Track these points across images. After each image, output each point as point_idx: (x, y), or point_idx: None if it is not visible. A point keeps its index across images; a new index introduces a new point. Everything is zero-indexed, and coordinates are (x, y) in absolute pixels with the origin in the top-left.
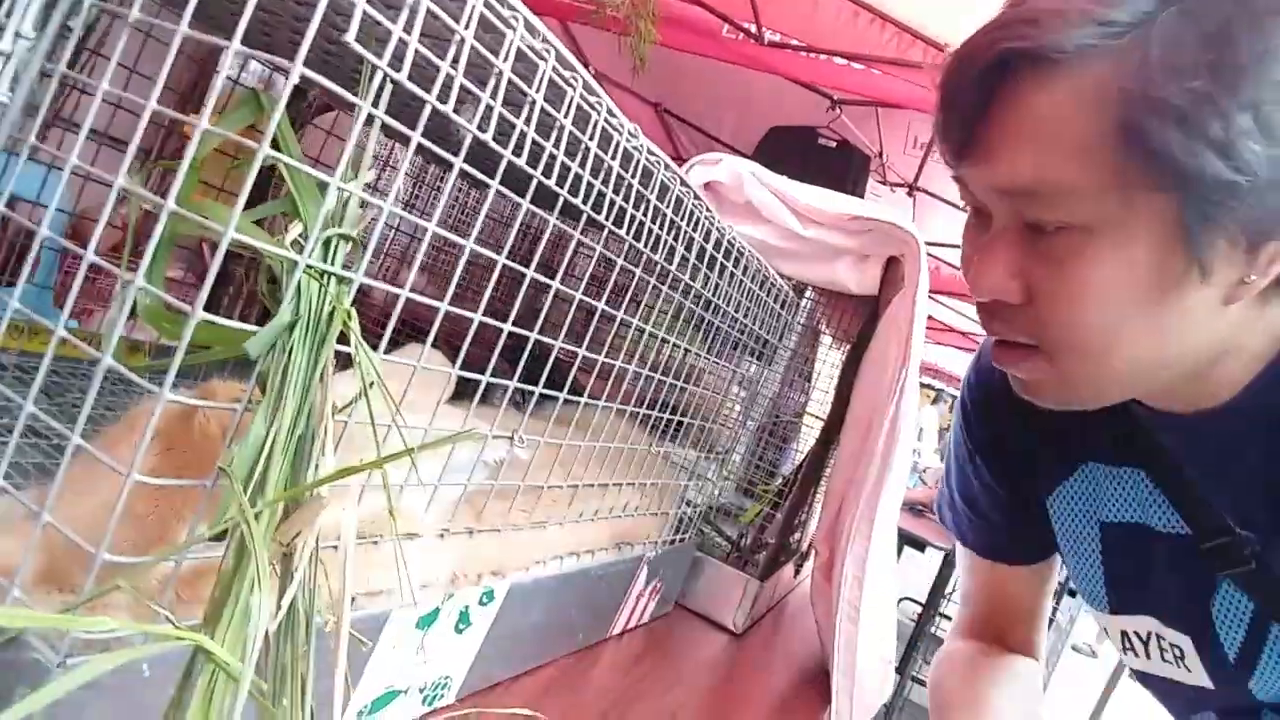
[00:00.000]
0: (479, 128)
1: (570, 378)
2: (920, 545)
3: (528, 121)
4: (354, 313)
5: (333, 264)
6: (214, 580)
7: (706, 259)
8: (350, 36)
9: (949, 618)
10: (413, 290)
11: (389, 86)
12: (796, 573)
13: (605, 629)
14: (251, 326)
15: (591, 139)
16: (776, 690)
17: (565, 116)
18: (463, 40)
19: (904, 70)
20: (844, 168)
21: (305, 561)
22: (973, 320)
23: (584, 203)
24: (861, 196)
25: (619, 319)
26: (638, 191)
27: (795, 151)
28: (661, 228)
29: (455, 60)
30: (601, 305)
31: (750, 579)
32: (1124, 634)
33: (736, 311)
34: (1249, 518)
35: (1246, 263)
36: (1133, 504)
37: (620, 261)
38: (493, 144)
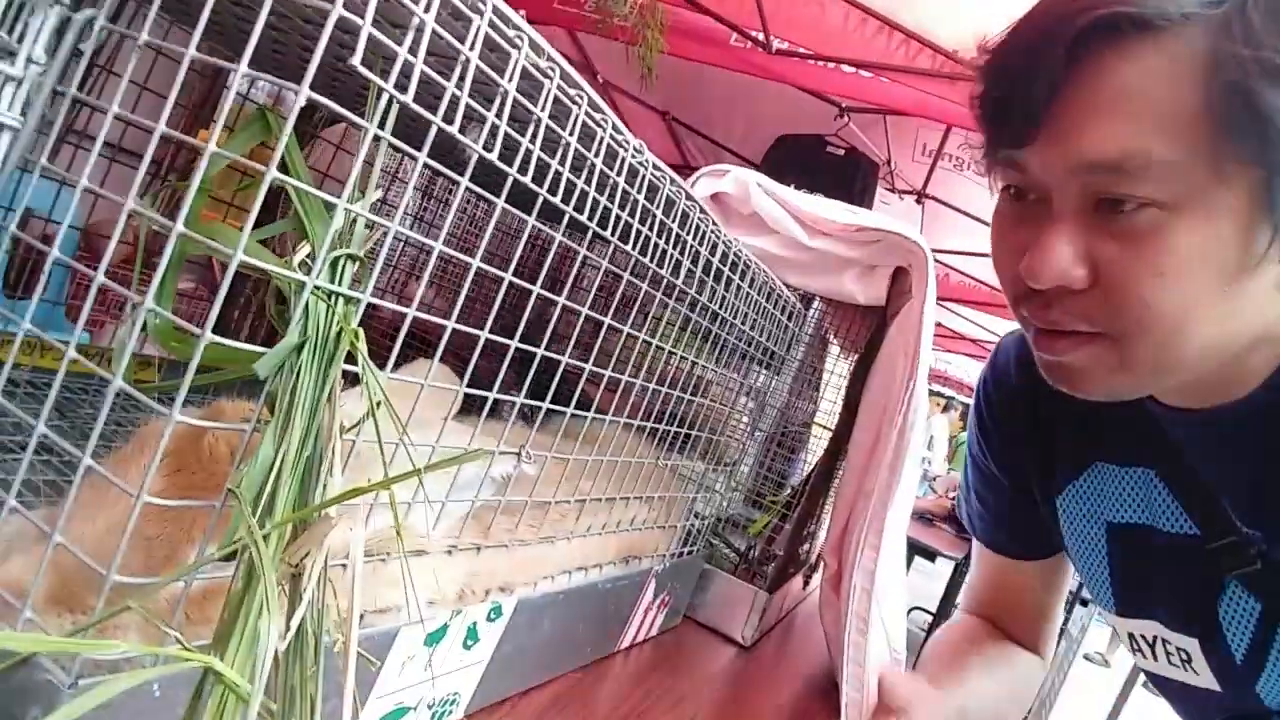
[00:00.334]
0: (485, 147)
1: (578, 390)
2: (931, 555)
3: (533, 140)
4: (361, 333)
5: (340, 284)
6: (223, 600)
7: (713, 272)
8: (356, 60)
9: None
10: (421, 303)
11: (395, 107)
12: (805, 584)
13: (613, 643)
14: (260, 348)
15: (597, 156)
16: (786, 704)
17: (571, 134)
18: (468, 61)
19: (912, 77)
20: (852, 175)
21: (314, 582)
22: (983, 328)
23: (590, 219)
24: (870, 204)
25: (626, 331)
26: (644, 207)
27: (803, 159)
28: (667, 242)
29: (460, 81)
30: (609, 320)
31: (759, 591)
32: (1131, 635)
33: (743, 324)
34: (1256, 517)
35: None
36: (1140, 505)
37: (626, 275)
38: (499, 163)
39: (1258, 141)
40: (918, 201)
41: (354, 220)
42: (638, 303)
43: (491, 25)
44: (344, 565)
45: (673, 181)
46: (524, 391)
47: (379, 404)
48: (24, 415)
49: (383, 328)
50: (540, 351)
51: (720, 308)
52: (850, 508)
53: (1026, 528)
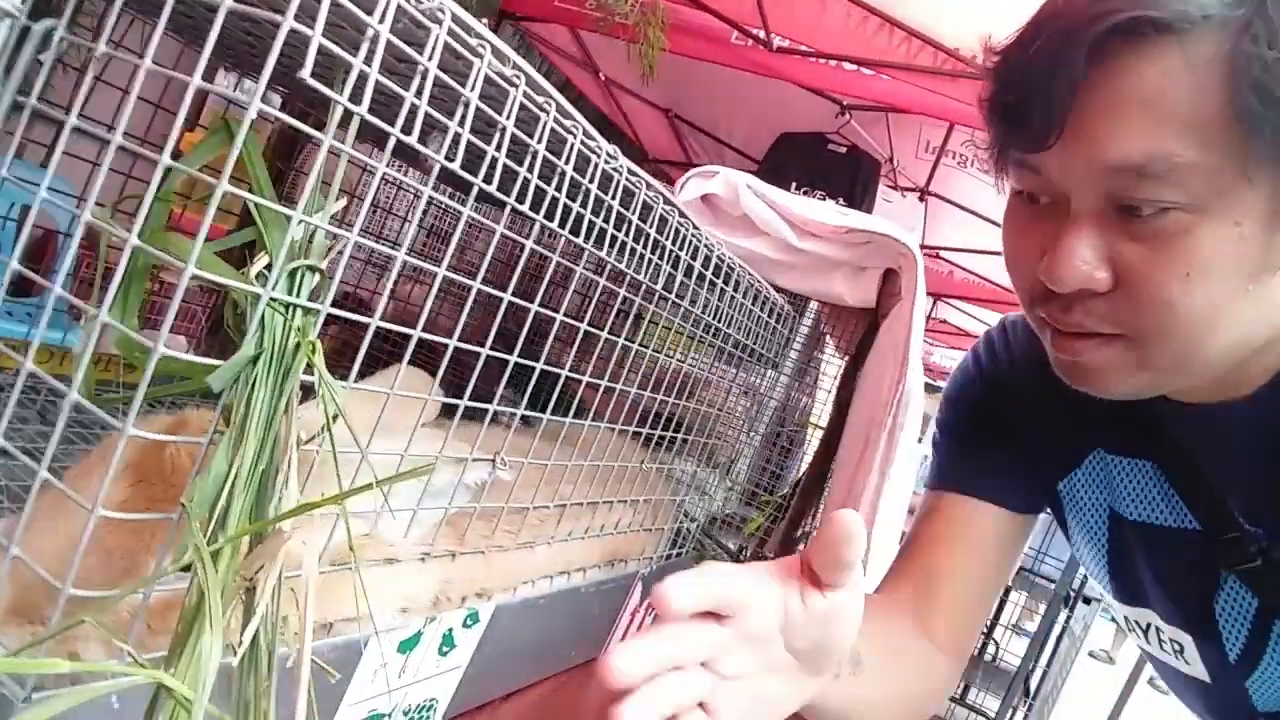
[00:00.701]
0: (448, 156)
1: (559, 385)
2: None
3: (499, 148)
4: (319, 345)
5: (298, 295)
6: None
7: (695, 276)
8: (305, 73)
9: None
10: (411, 302)
11: (355, 119)
12: None
13: (600, 646)
14: (215, 361)
15: (568, 162)
16: None
17: (539, 141)
18: (426, 71)
19: (914, 75)
20: (854, 173)
21: (267, 596)
22: (988, 325)
23: (561, 225)
24: (872, 202)
25: (604, 335)
26: (618, 212)
27: (805, 157)
28: (644, 245)
29: (419, 91)
30: (584, 325)
31: None
32: (1127, 619)
33: (728, 327)
34: (1258, 513)
35: None
36: (1141, 497)
37: (602, 281)
38: (462, 173)
39: (1277, 145)
40: (920, 199)
41: (314, 230)
42: (617, 303)
43: (451, 34)
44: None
45: (649, 186)
46: (500, 390)
47: (335, 417)
48: None
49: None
50: (515, 358)
51: (704, 311)
52: (840, 509)
53: (1002, 470)
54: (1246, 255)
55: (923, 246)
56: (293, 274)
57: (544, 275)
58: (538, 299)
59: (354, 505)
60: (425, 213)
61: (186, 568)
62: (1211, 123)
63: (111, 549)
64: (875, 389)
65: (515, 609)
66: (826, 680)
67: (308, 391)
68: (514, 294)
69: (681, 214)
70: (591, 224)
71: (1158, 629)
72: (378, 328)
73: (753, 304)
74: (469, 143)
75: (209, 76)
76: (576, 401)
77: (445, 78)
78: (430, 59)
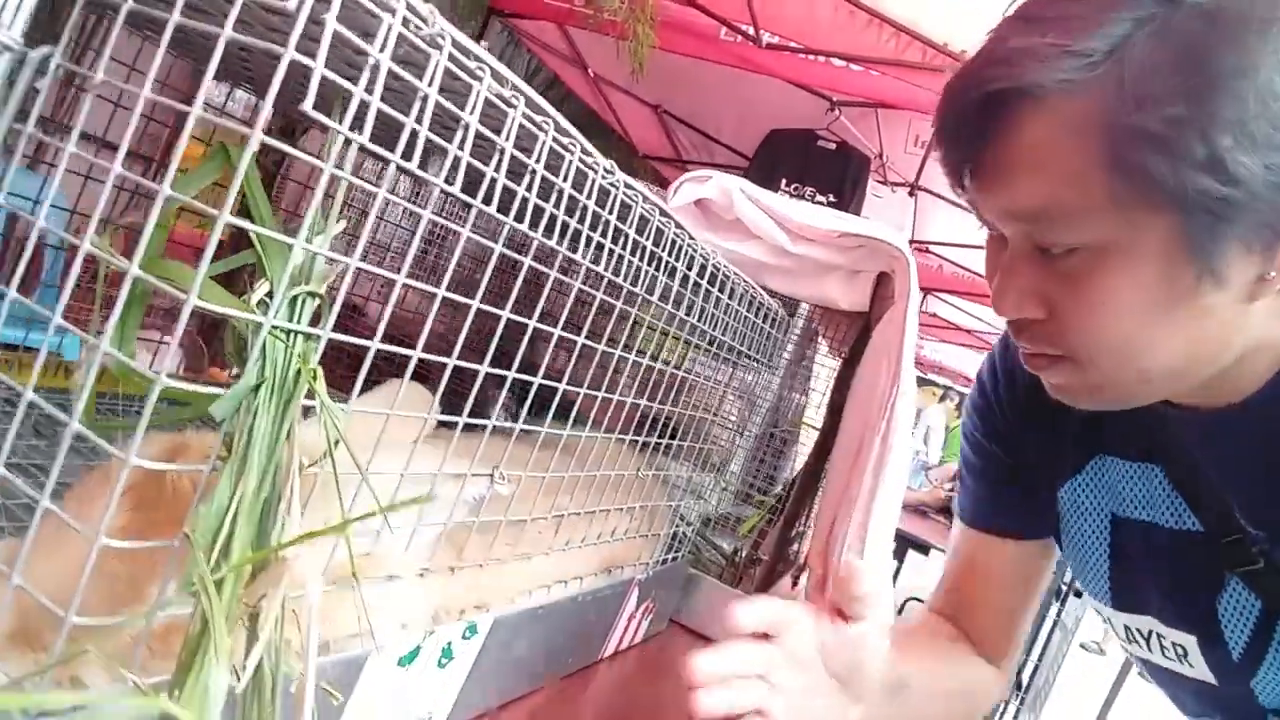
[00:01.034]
0: (447, 180)
1: (560, 395)
2: (924, 548)
3: (498, 169)
4: (320, 371)
5: (299, 321)
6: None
7: (690, 285)
8: (308, 105)
9: None
10: (406, 308)
11: (353, 147)
12: (794, 584)
13: (596, 652)
14: (217, 389)
15: (566, 180)
16: None
17: (538, 161)
18: (426, 97)
19: (902, 70)
20: (843, 169)
21: (271, 624)
22: (977, 319)
23: (560, 242)
24: (862, 198)
25: (605, 350)
26: (615, 227)
27: (795, 154)
28: (642, 259)
29: (420, 117)
30: (582, 340)
31: (746, 595)
32: (1127, 628)
33: (722, 333)
34: (1259, 517)
35: (1263, 261)
36: (1145, 501)
37: (599, 295)
38: (461, 196)
39: (1152, 192)
40: (910, 194)
41: (314, 257)
42: (615, 313)
43: (451, 59)
44: (299, 595)
45: (645, 200)
46: (501, 400)
47: (337, 443)
48: None
49: (366, 334)
50: (512, 375)
51: (698, 318)
52: (834, 513)
53: (1016, 504)
54: (1148, 292)
55: (912, 241)
56: (293, 300)
57: (540, 285)
58: (536, 310)
59: (355, 526)
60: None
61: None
62: (1086, 175)
63: (113, 574)
64: (869, 392)
65: (513, 620)
66: (868, 708)
67: (306, 409)
68: (503, 302)
69: (678, 225)
70: (589, 238)
71: (1159, 635)
72: (368, 335)
73: (746, 309)
74: (461, 175)
75: (195, 86)
76: (575, 410)
77: (445, 102)
78: (431, 84)
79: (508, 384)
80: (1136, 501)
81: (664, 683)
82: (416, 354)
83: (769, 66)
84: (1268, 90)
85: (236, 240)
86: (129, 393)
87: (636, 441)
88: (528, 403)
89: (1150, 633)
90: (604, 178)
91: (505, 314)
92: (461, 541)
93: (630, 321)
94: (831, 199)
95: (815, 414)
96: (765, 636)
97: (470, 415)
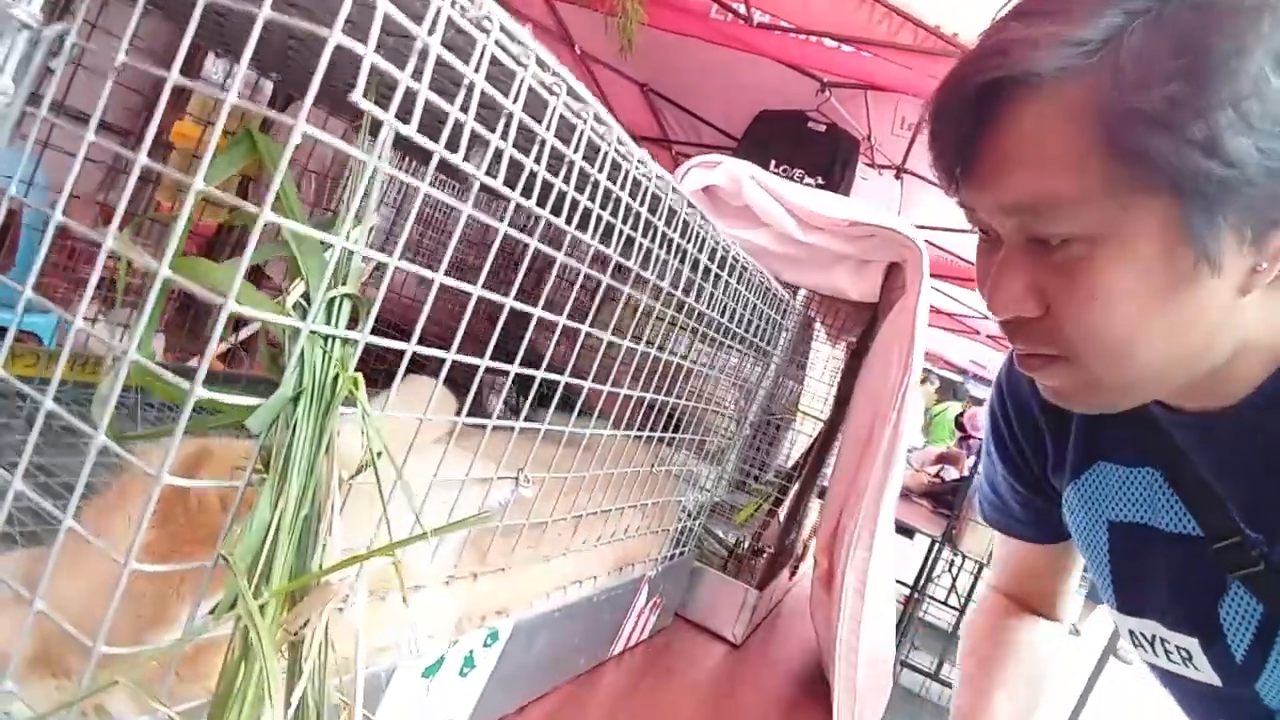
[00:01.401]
0: (489, 171)
1: (574, 390)
2: (909, 532)
3: (538, 160)
4: (360, 379)
5: (337, 325)
6: (214, 656)
7: (711, 277)
8: (357, 95)
9: (938, 600)
10: (406, 295)
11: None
12: (791, 575)
13: (607, 650)
14: (253, 400)
15: (601, 170)
16: (779, 704)
17: (576, 151)
18: (472, 85)
19: (894, 52)
20: (833, 151)
21: (315, 652)
22: (960, 302)
23: (593, 236)
24: (851, 180)
25: (625, 344)
26: (646, 219)
27: (785, 135)
28: (669, 253)
29: (464, 106)
30: (609, 335)
31: (749, 589)
32: (1132, 632)
33: (736, 324)
34: (1256, 519)
35: (1256, 251)
36: (1142, 505)
37: (627, 289)
38: (502, 188)
39: (1151, 176)
40: (896, 177)
41: (350, 255)
42: (640, 307)
43: (496, 43)
44: (340, 609)
45: (675, 191)
46: (528, 405)
47: (380, 454)
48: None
49: (379, 328)
50: (540, 374)
51: (718, 310)
52: (842, 505)
53: (1036, 517)
54: (1147, 280)
55: None
56: (330, 303)
57: (563, 276)
58: (569, 298)
59: (384, 530)
60: (427, 206)
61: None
62: (1084, 163)
63: (138, 594)
64: (879, 382)
65: (532, 624)
66: None
67: None
68: (520, 290)
69: (703, 217)
70: (621, 231)
71: (1163, 639)
72: (379, 328)
73: (761, 300)
74: (504, 167)
75: (197, 61)
76: (595, 408)
77: (490, 89)
78: (477, 71)
79: (510, 377)
80: (1136, 506)
81: (671, 682)
82: (451, 356)
83: (759, 46)
84: (1260, 74)
85: (241, 232)
86: (126, 384)
87: (644, 435)
88: (533, 394)
89: (1154, 636)
90: (638, 169)
91: (537, 311)
92: (485, 546)
93: (654, 315)
94: (821, 181)
95: (811, 401)
96: None
97: (486, 412)
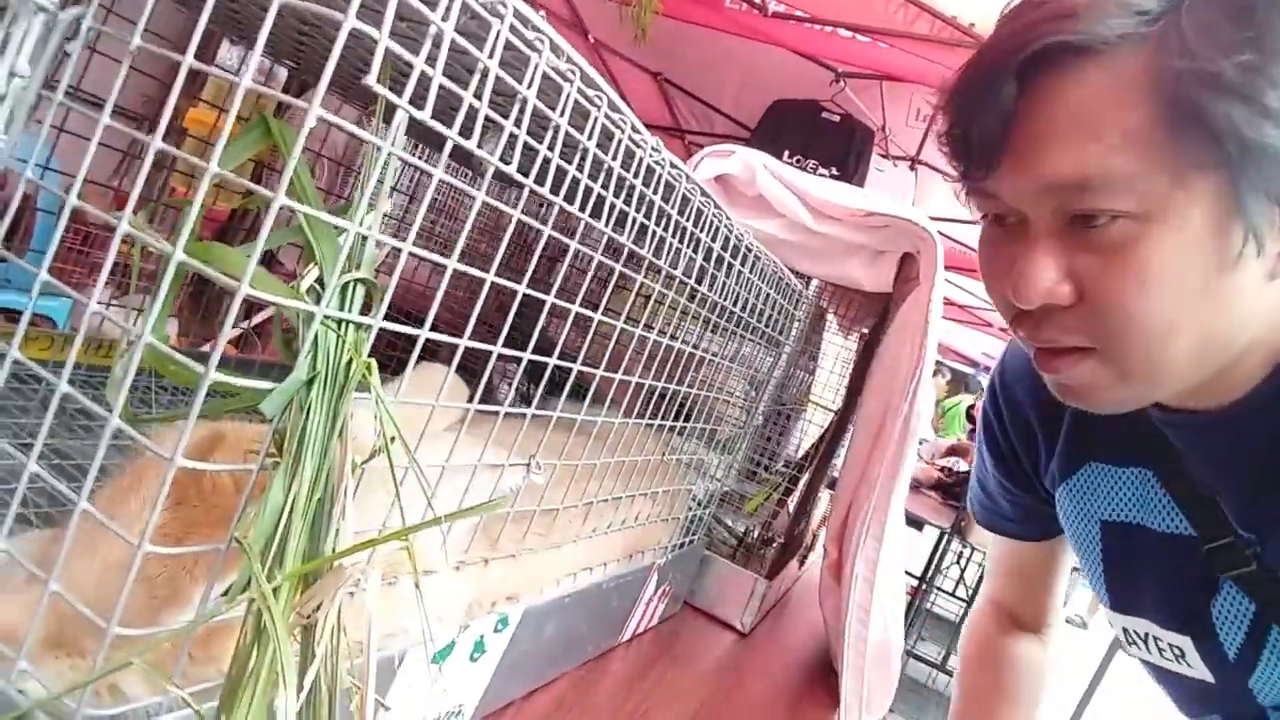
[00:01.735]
0: (503, 158)
1: (579, 376)
2: (918, 524)
3: (551, 147)
4: (374, 364)
5: (350, 310)
6: (227, 639)
7: (725, 266)
8: (371, 79)
9: (945, 592)
10: (418, 282)
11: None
12: (800, 564)
13: (616, 637)
14: (266, 384)
15: (614, 157)
16: (786, 692)
17: (590, 138)
18: (486, 71)
19: (910, 43)
20: (848, 142)
21: (328, 635)
22: (972, 294)
23: (606, 223)
24: (865, 172)
25: (639, 332)
26: (659, 208)
27: (798, 126)
28: (682, 241)
29: (478, 92)
30: (621, 322)
31: (758, 578)
32: (1125, 630)
33: (749, 314)
34: (1250, 519)
35: None
36: (1135, 504)
37: (640, 277)
38: (516, 175)
39: (1210, 148)
40: (911, 168)
41: (364, 240)
42: (653, 296)
43: (511, 29)
44: (352, 592)
45: (688, 179)
46: (539, 394)
47: (393, 439)
48: (16, 452)
49: (389, 314)
50: (553, 361)
51: (731, 300)
52: (852, 495)
53: (1022, 516)
54: (1197, 259)
55: None
56: (343, 288)
57: (573, 265)
58: (582, 288)
59: (396, 515)
60: (439, 194)
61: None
62: (1141, 135)
63: (152, 576)
64: (890, 374)
65: (542, 610)
66: None
67: None
68: (533, 277)
69: (716, 205)
70: (634, 219)
71: (1155, 637)
72: (392, 315)
73: (774, 290)
74: (518, 153)
75: (212, 47)
76: (605, 396)
77: (504, 75)
78: (491, 56)
79: (522, 365)
80: (1128, 506)
81: (680, 670)
82: (464, 342)
83: (774, 35)
84: None
85: (255, 217)
86: (140, 368)
87: (663, 425)
88: (544, 382)
89: (1147, 634)
90: (651, 155)
91: (549, 299)
92: (495, 533)
93: (666, 304)
94: (835, 172)
95: (822, 392)
96: None
97: (497, 399)
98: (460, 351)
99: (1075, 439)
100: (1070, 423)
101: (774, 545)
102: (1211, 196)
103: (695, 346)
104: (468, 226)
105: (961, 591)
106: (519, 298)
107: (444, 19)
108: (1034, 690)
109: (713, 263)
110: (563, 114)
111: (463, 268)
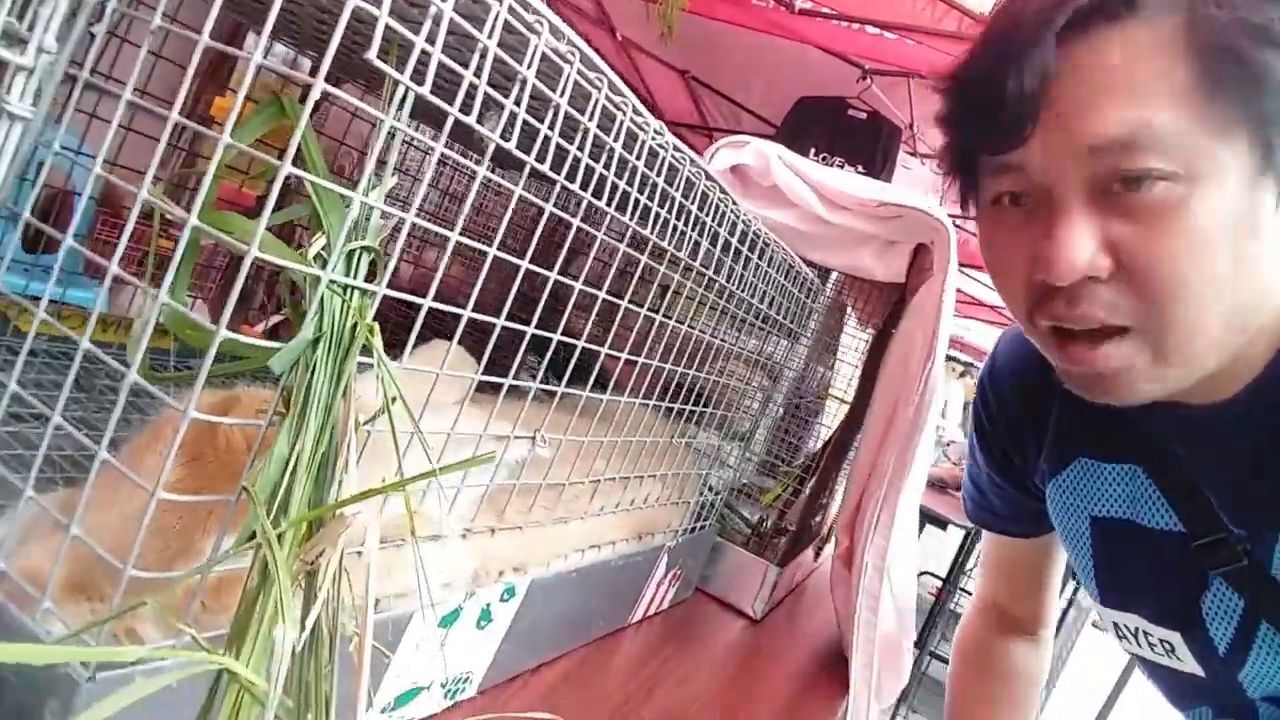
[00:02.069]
0: (503, 135)
1: (597, 363)
2: (942, 523)
3: (551, 126)
4: (376, 327)
5: (355, 276)
6: (238, 590)
7: (732, 252)
8: (372, 54)
9: (969, 593)
10: (420, 264)
11: (411, 95)
12: (816, 556)
13: (625, 617)
14: (274, 344)
15: (616, 139)
16: (795, 678)
17: (590, 119)
18: (485, 49)
19: (939, 40)
20: (874, 139)
21: (329, 580)
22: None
23: (609, 203)
24: (892, 169)
25: (644, 312)
26: (663, 189)
27: (824, 122)
28: (685, 223)
29: (479, 70)
30: (625, 302)
31: (770, 565)
32: (1116, 625)
33: (760, 302)
34: (1241, 515)
35: None
36: (1125, 500)
37: (643, 258)
38: (516, 152)
39: (1248, 97)
40: (939, 165)
41: (370, 210)
42: (657, 279)
43: (510, 10)
44: (359, 552)
45: (692, 163)
46: (542, 370)
47: (394, 399)
48: (39, 404)
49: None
50: (557, 337)
51: (738, 285)
52: (864, 484)
53: (1013, 512)
54: (1234, 216)
55: None
56: (349, 255)
57: (579, 248)
58: (585, 269)
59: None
60: (440, 174)
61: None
62: (1185, 91)
63: (167, 527)
64: (902, 364)
65: (549, 583)
66: None
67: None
68: (542, 265)
69: (722, 190)
70: (637, 201)
71: (1145, 632)
72: (402, 300)
73: (785, 278)
74: (518, 130)
75: (239, 39)
76: (612, 379)
77: (503, 55)
78: (490, 36)
79: (550, 350)
80: (1118, 502)
81: (689, 652)
82: (467, 313)
83: (801, 32)
84: None
85: (279, 198)
86: (162, 346)
87: (668, 409)
88: (557, 367)
89: (1137, 629)
90: (654, 139)
91: (553, 275)
92: (501, 504)
93: (672, 287)
94: (861, 170)
95: (843, 387)
96: None
97: (515, 381)
98: (463, 324)
99: (1064, 435)
100: (1059, 418)
101: (787, 535)
102: (1245, 151)
103: (695, 325)
104: (471, 194)
105: None
106: (520, 273)
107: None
108: (1025, 694)
109: (719, 247)
110: (563, 94)
111: (467, 241)
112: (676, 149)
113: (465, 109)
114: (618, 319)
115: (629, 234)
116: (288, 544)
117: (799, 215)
